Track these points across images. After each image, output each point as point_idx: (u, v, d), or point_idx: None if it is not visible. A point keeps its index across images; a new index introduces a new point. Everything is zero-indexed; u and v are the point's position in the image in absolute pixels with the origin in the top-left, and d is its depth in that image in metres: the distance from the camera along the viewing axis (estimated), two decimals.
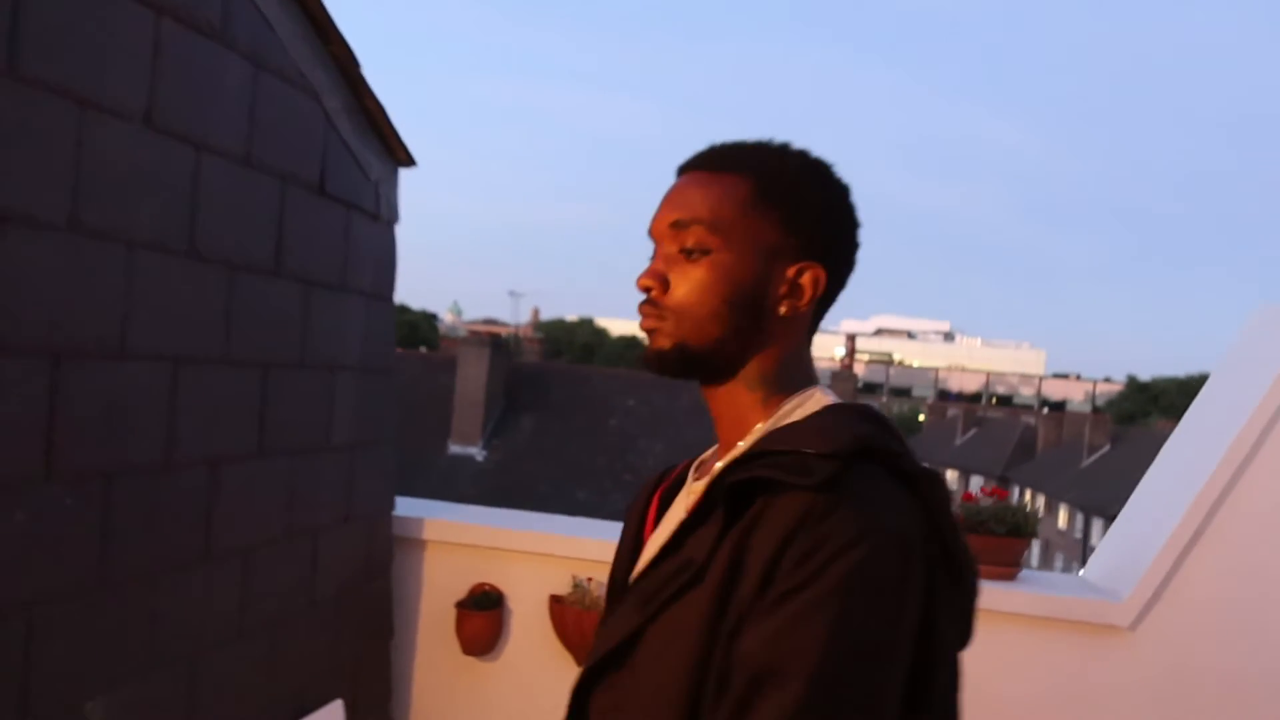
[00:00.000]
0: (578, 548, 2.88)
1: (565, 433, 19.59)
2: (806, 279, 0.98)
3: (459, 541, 2.92)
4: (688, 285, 0.97)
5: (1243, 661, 2.56)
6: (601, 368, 29.17)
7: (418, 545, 2.93)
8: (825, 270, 0.98)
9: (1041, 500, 40.37)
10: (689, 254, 0.97)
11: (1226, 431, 2.62)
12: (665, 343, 0.98)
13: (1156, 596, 2.57)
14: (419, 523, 2.89)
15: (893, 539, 0.84)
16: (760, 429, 0.98)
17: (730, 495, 0.89)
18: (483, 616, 2.83)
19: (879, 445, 0.90)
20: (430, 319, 60.23)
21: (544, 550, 2.88)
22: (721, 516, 0.90)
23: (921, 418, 64.40)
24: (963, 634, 0.95)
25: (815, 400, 1.00)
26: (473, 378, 19.19)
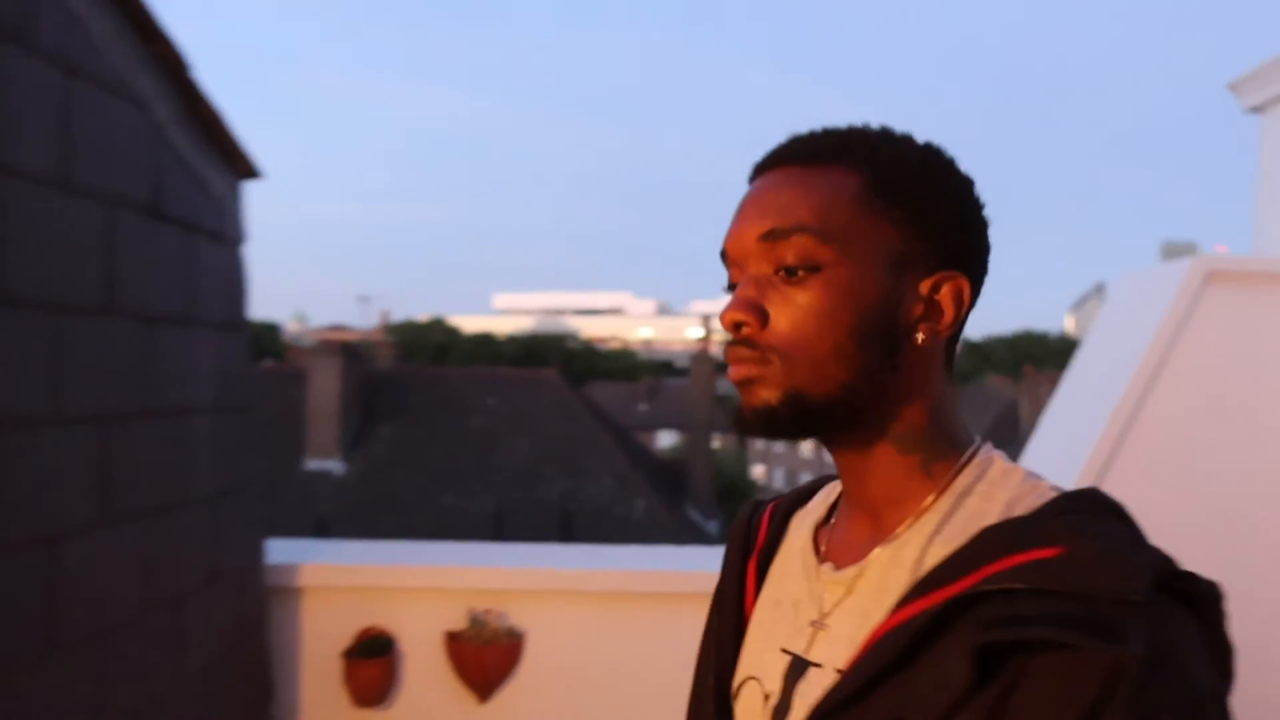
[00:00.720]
0: (472, 578, 2.69)
1: (426, 437, 19.05)
2: (946, 294, 0.74)
3: (341, 585, 2.68)
4: (796, 315, 0.72)
5: None
6: (457, 368, 28.52)
7: (294, 594, 2.67)
8: (968, 280, 0.75)
9: None
10: (792, 273, 0.72)
11: (1105, 401, 2.67)
12: (772, 394, 0.72)
13: None
14: (294, 569, 2.63)
15: (1218, 702, 0.64)
16: (938, 507, 0.74)
17: (982, 656, 0.64)
18: (373, 664, 2.60)
19: (1174, 569, 0.66)
20: (273, 329, 57.51)
21: (435, 584, 2.68)
22: (964, 673, 0.64)
23: None
24: None
25: (1006, 472, 0.75)
26: (325, 388, 18.38)
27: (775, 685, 0.78)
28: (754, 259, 0.74)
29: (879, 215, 0.73)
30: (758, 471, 51.79)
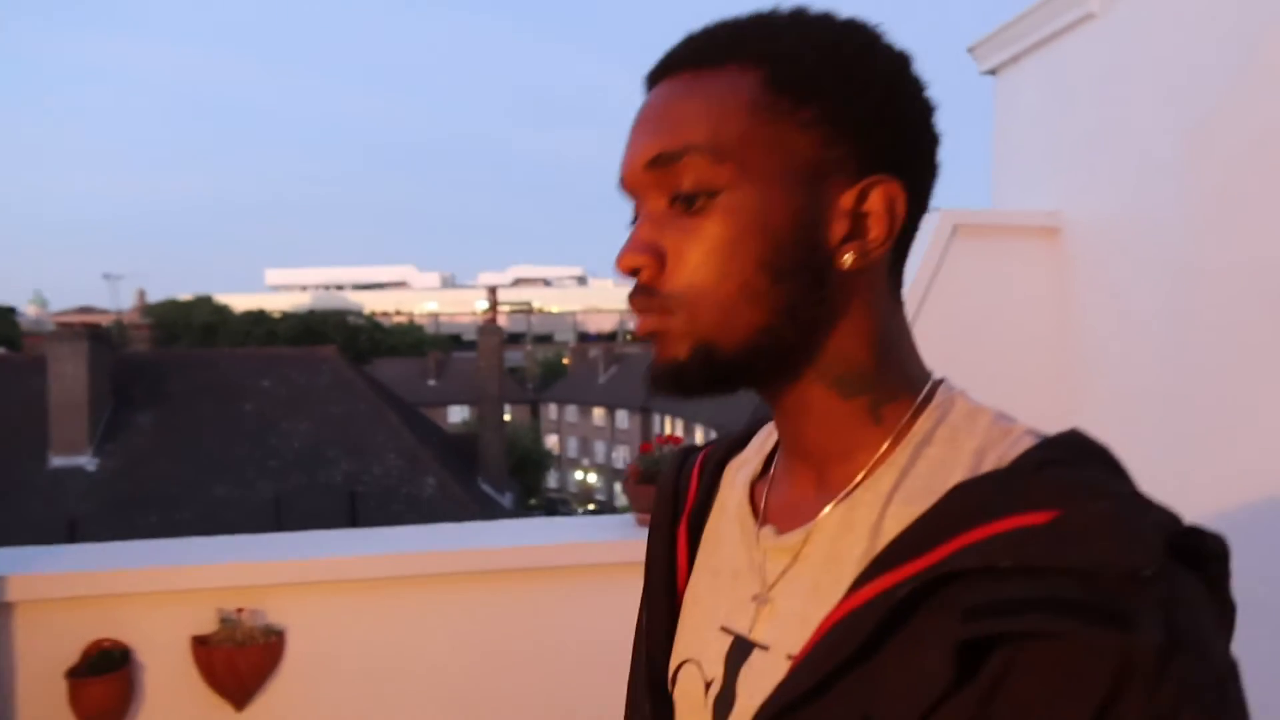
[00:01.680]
0: (220, 575, 2.42)
1: (192, 425, 17.70)
2: (876, 203, 0.62)
3: (61, 595, 2.34)
4: (696, 252, 0.61)
5: None
6: (228, 349, 26.68)
7: (5, 610, 2.31)
8: (902, 185, 0.62)
9: (679, 424, 43.63)
10: (688, 203, 0.61)
11: None
12: (680, 349, 0.62)
13: None
14: (1, 582, 2.27)
15: (1236, 678, 0.54)
16: (894, 459, 0.64)
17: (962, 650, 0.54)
18: (104, 682, 2.30)
19: (1181, 529, 0.55)
20: (8, 313, 51.62)
21: (177, 586, 2.40)
22: (943, 669, 0.53)
23: (566, 361, 66.77)
24: None
25: (971, 414, 0.65)
26: (69, 376, 16.64)
27: (717, 670, 0.68)
28: (647, 190, 0.63)
29: (784, 118, 0.61)
30: (551, 441, 52.00)
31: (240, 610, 2.39)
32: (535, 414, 55.95)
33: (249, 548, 2.65)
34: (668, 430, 47.18)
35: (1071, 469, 0.58)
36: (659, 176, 0.62)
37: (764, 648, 0.65)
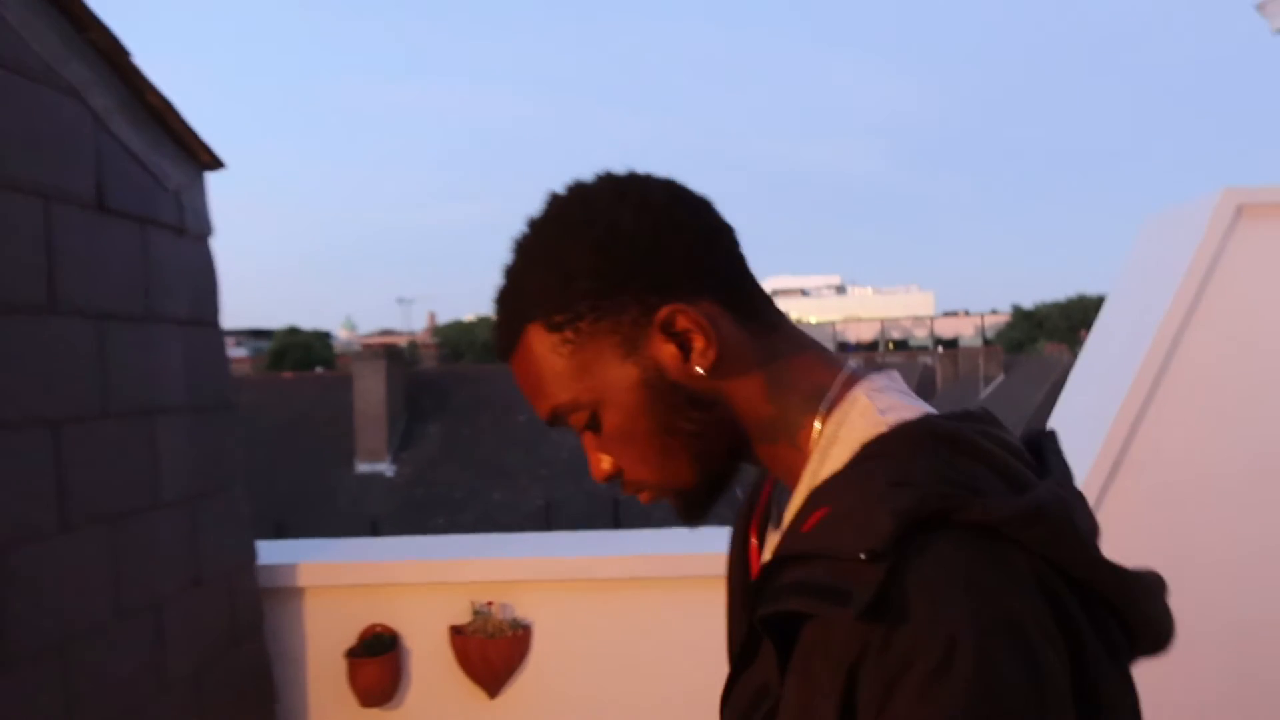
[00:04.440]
0: (473, 570, 2.60)
1: (473, 435, 19.14)
2: (682, 323, 0.74)
3: (340, 583, 2.61)
4: (622, 454, 0.77)
5: (1177, 576, 2.46)
6: (503, 365, 28.64)
7: (294, 594, 2.60)
8: (684, 299, 0.74)
9: None
10: (595, 430, 0.77)
11: (1136, 348, 2.50)
12: (674, 501, 0.80)
13: None
14: (291, 569, 2.57)
15: (997, 632, 0.59)
16: (809, 470, 0.75)
17: (769, 628, 0.66)
18: (377, 663, 2.53)
19: (937, 505, 0.63)
20: (324, 338, 58.40)
21: (436, 579, 2.60)
22: (770, 653, 0.67)
23: None
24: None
25: (864, 410, 0.74)
26: (371, 392, 18.57)
27: None
28: (564, 424, 0.79)
29: (581, 334, 0.74)
30: None
31: (490, 603, 2.55)
32: None
33: (500, 545, 2.81)
34: None
35: (880, 461, 0.68)
36: (565, 422, 0.78)
37: None
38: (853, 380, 0.77)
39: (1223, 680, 2.45)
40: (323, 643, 2.60)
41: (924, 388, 49.17)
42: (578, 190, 0.77)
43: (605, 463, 0.79)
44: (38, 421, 1.68)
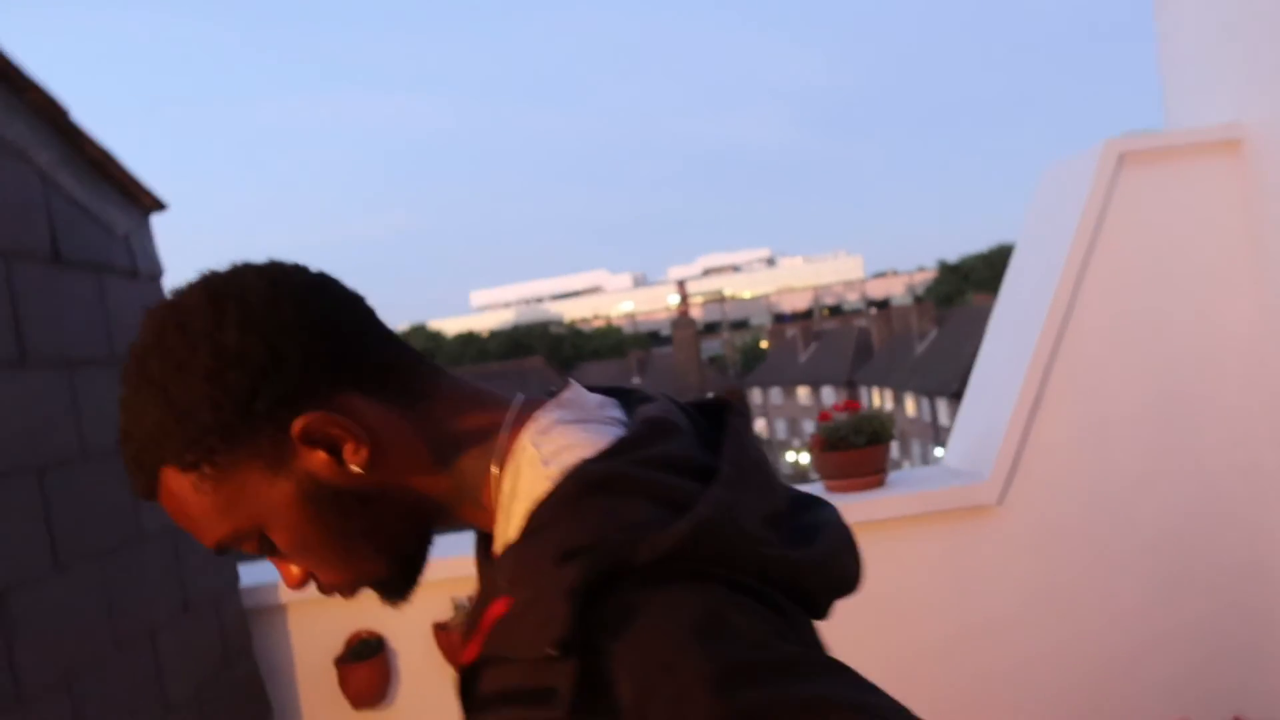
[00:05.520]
0: (448, 568, 2.67)
1: None
2: (316, 429, 0.70)
3: (320, 595, 2.70)
4: (305, 563, 0.75)
5: (1101, 514, 2.69)
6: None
7: (278, 611, 2.69)
8: (318, 404, 0.70)
9: (888, 394, 42.49)
10: (272, 551, 0.75)
11: (1040, 300, 2.71)
12: (376, 590, 0.78)
13: (1015, 468, 2.65)
14: (271, 588, 2.66)
15: (729, 677, 0.58)
16: (498, 533, 0.74)
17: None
18: (366, 666, 2.64)
19: (608, 565, 0.62)
20: None
21: None
22: None
23: (764, 344, 66.47)
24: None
25: (531, 463, 0.72)
26: None
27: None
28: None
29: (219, 468, 0.70)
30: (759, 425, 52.00)
31: (470, 597, 2.67)
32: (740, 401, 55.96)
33: (468, 540, 2.93)
34: (876, 401, 46.06)
35: (541, 535, 0.66)
36: (237, 547, 0.75)
37: None
38: (522, 419, 0.75)
39: (1143, 584, 2.68)
40: (311, 654, 2.69)
41: (861, 350, 50.07)
42: (173, 311, 0.71)
43: (294, 571, 0.76)
44: (23, 470, 1.75)
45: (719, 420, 0.77)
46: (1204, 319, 2.69)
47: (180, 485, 0.71)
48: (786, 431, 52.18)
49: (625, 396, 0.82)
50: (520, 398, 0.77)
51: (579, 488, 0.67)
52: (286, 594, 2.67)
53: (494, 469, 0.74)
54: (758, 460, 0.73)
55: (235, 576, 2.51)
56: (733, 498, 0.67)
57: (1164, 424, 2.70)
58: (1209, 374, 2.70)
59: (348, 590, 0.77)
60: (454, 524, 0.78)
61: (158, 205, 2.28)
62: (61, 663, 1.77)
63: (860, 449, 2.72)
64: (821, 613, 0.72)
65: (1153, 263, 2.69)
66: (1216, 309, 2.69)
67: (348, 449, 0.70)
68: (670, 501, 0.66)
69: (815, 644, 0.69)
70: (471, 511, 0.76)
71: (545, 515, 0.67)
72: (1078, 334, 2.66)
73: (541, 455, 0.71)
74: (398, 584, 0.78)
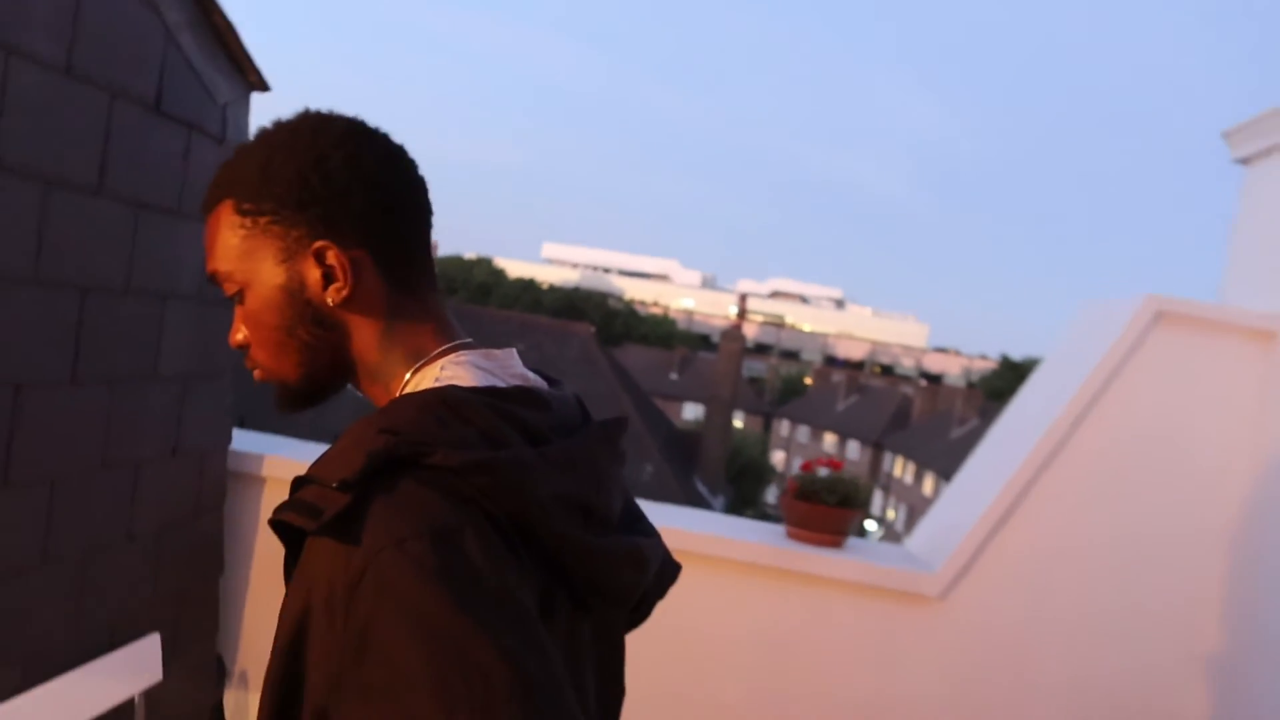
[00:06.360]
0: None
1: None
2: (333, 260, 0.88)
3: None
4: (248, 328, 0.93)
5: (1033, 641, 2.76)
6: (495, 309, 28.78)
7: (256, 482, 2.87)
8: (343, 242, 0.89)
9: (910, 467, 42.10)
10: (240, 304, 0.93)
11: (1040, 423, 2.78)
12: (277, 390, 0.95)
13: (965, 570, 2.73)
14: (258, 459, 2.83)
15: (432, 536, 0.74)
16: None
17: (279, 533, 0.82)
18: None
19: (408, 452, 0.78)
20: None
21: None
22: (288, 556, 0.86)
23: (808, 380, 66.07)
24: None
25: (424, 380, 0.90)
26: None
27: None
28: (222, 286, 0.94)
29: (257, 227, 0.89)
30: (778, 458, 51.78)
31: None
32: (767, 427, 55.89)
33: None
34: (898, 470, 45.66)
35: (382, 413, 0.83)
36: (217, 283, 0.94)
37: None
38: (450, 351, 0.92)
39: (1056, 717, 2.75)
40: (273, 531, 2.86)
41: (899, 416, 49.67)
42: (323, 120, 0.90)
43: (240, 334, 0.93)
44: (69, 286, 1.92)
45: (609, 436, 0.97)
46: (1189, 495, 2.74)
47: (227, 219, 0.90)
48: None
49: (555, 384, 1.01)
50: (468, 340, 0.94)
51: (435, 398, 0.83)
52: (269, 468, 2.84)
53: (408, 375, 0.91)
54: (592, 460, 0.89)
55: (228, 437, 2.68)
56: (539, 465, 0.82)
57: (1117, 579, 2.75)
58: (1175, 549, 2.75)
59: (263, 374, 0.94)
60: (362, 391, 0.95)
61: (263, 85, 2.44)
62: (51, 463, 1.95)
63: (829, 507, 2.81)
64: (582, 602, 0.86)
65: (1158, 423, 2.74)
66: (1205, 489, 2.74)
67: (336, 284, 0.89)
68: (493, 440, 0.81)
69: (531, 603, 0.78)
70: (374, 389, 0.93)
71: (399, 403, 0.84)
72: (1065, 466, 2.73)
73: (443, 374, 0.89)
74: (297, 399, 0.94)
